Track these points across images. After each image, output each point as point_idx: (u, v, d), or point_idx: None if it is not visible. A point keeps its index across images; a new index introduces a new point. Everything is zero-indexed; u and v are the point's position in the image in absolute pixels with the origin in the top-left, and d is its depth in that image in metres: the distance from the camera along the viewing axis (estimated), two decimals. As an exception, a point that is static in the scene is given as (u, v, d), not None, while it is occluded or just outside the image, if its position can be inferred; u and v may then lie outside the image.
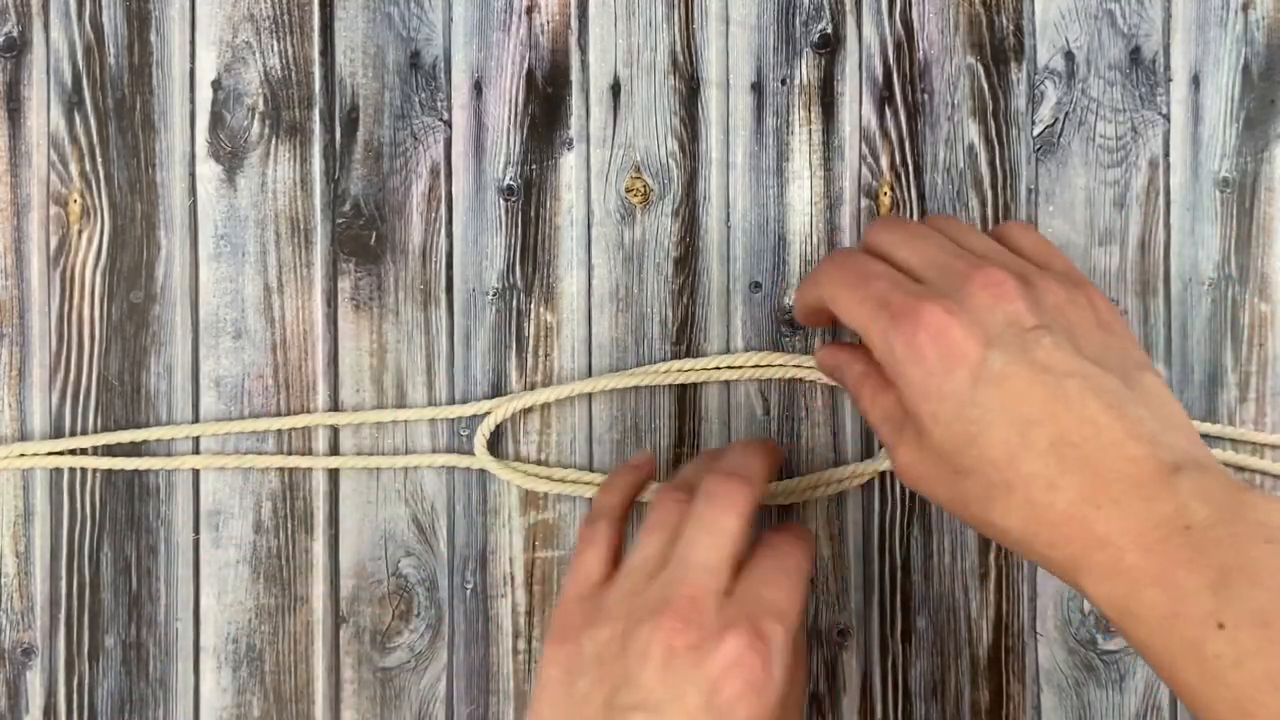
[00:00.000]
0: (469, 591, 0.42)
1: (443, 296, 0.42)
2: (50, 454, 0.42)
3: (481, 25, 0.42)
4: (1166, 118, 0.43)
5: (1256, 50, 0.43)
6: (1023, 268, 0.33)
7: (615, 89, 0.43)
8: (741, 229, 0.43)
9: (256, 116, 0.42)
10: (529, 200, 0.42)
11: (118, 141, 0.42)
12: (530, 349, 0.42)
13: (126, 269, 0.42)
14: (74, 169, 0.42)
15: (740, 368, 0.42)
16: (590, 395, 0.42)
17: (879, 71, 0.43)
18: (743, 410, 0.42)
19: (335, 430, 0.42)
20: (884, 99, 0.43)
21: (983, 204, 0.42)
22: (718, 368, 0.42)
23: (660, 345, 0.42)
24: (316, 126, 0.42)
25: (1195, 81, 0.43)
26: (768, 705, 0.31)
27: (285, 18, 0.42)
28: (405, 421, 0.42)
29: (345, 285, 0.42)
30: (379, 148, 0.42)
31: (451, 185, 0.43)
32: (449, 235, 0.42)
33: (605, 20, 0.43)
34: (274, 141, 0.42)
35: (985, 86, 0.43)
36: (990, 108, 0.43)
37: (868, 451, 0.42)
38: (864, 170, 0.43)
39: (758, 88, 0.43)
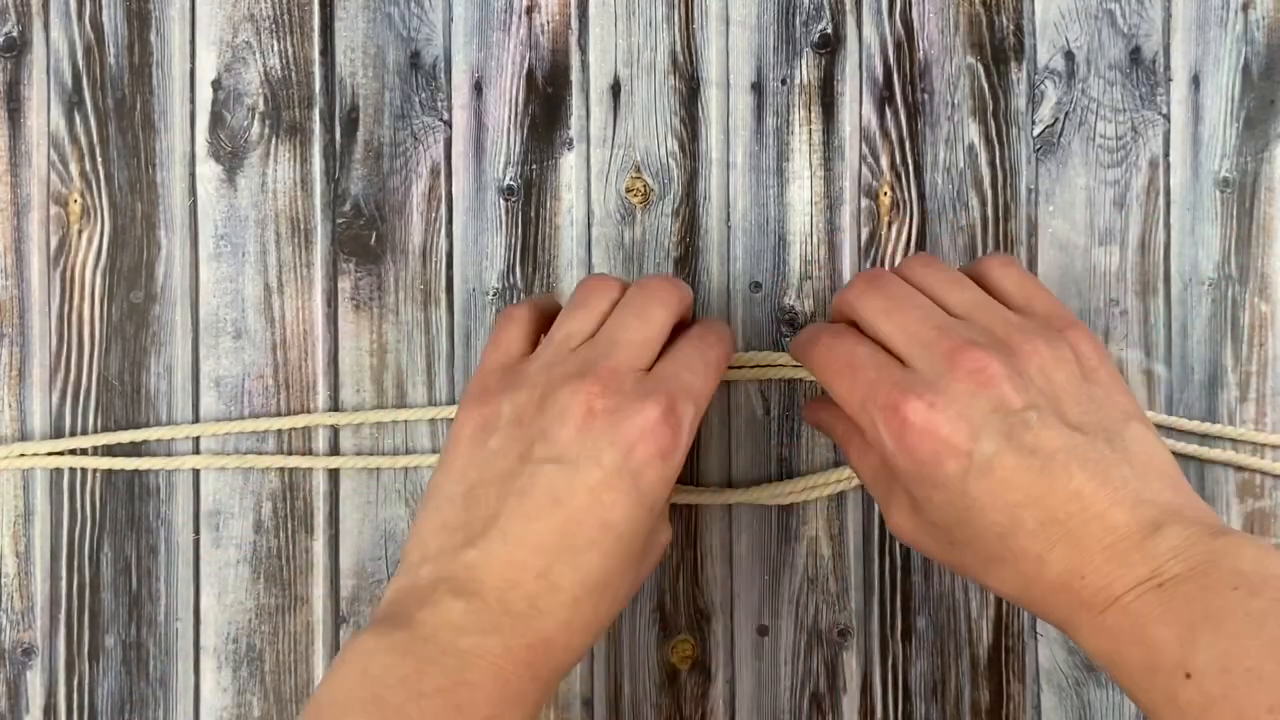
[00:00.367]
0: (469, 591, 0.42)
1: (443, 296, 0.42)
2: (50, 454, 0.42)
3: (481, 25, 0.42)
4: (1166, 118, 0.43)
5: (1256, 50, 0.43)
6: (1006, 332, 0.33)
7: (615, 89, 0.43)
8: (741, 229, 0.43)
9: (256, 116, 0.42)
10: (529, 200, 0.42)
11: (118, 141, 0.42)
12: (530, 349, 0.42)
13: (126, 269, 0.42)
14: (74, 169, 0.42)
15: (740, 368, 0.42)
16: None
17: (879, 71, 0.43)
18: (743, 410, 0.42)
19: (335, 430, 0.42)
20: (884, 99, 0.43)
21: (983, 204, 0.42)
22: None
23: (660, 345, 0.42)
24: (316, 126, 0.42)
25: (1195, 81, 0.43)
26: (670, 477, 0.33)
27: (285, 18, 0.42)
28: (405, 421, 0.42)
29: (345, 285, 0.42)
30: (379, 148, 0.42)
31: (451, 185, 0.43)
32: (449, 235, 0.42)
33: (605, 20, 0.43)
34: (274, 141, 0.42)
35: (985, 86, 0.43)
36: (990, 108, 0.43)
37: (868, 451, 0.42)
38: (864, 170, 0.43)
39: (758, 88, 0.43)
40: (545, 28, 0.43)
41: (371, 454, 0.42)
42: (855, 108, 0.43)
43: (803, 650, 0.42)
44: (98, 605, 0.42)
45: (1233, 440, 0.42)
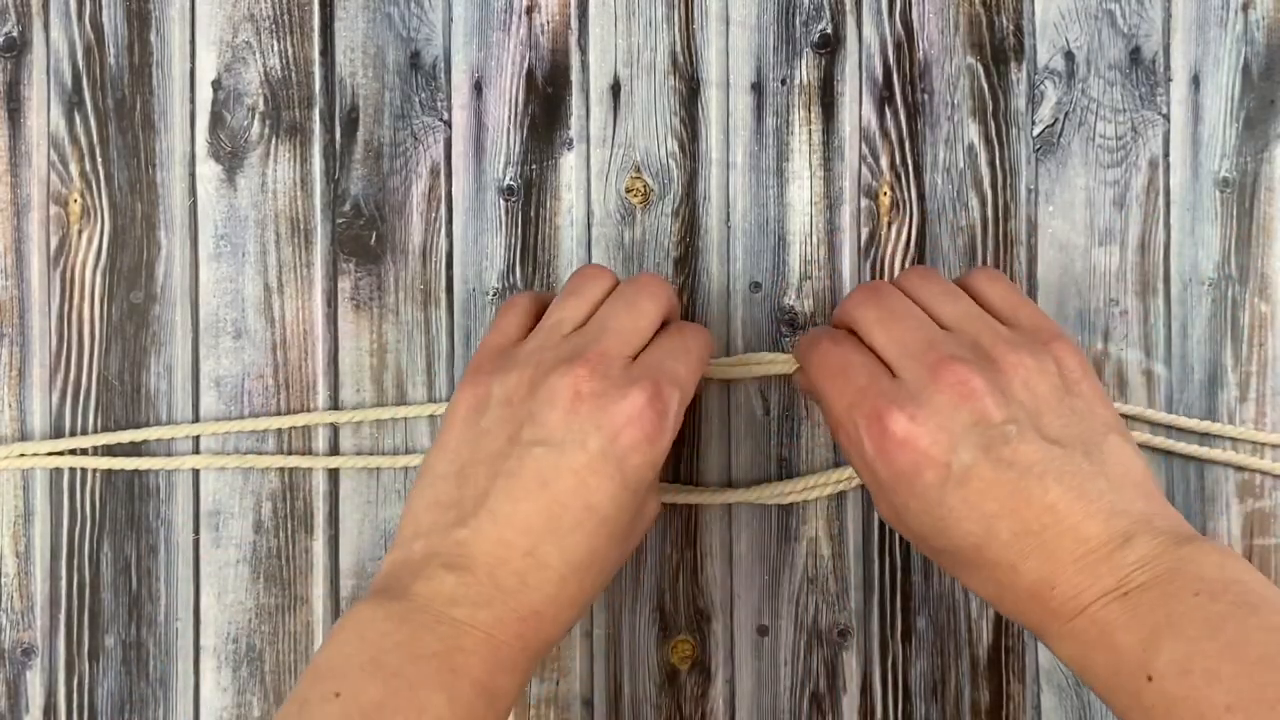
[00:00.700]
0: (469, 591, 0.42)
1: (443, 296, 0.42)
2: (50, 454, 0.42)
3: (481, 25, 0.42)
4: (1166, 118, 0.43)
5: (1256, 50, 0.43)
6: (992, 344, 0.34)
7: (615, 89, 0.43)
8: (741, 229, 0.43)
9: (256, 116, 0.42)
10: (529, 200, 0.42)
11: (118, 141, 0.42)
12: (530, 349, 0.42)
13: (126, 269, 0.42)
14: (74, 169, 0.42)
15: (741, 367, 0.42)
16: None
17: (879, 71, 0.43)
18: (743, 410, 0.42)
19: (335, 430, 0.42)
20: (884, 99, 0.43)
21: (982, 204, 0.42)
22: (718, 367, 0.42)
23: (660, 345, 0.42)
24: (316, 126, 0.42)
25: (1195, 81, 0.43)
26: (655, 461, 0.34)
27: (285, 18, 0.42)
28: (405, 420, 0.42)
29: (345, 285, 0.42)
30: (379, 148, 0.42)
31: (451, 185, 0.43)
32: (449, 235, 0.42)
33: (605, 20, 0.43)
34: (274, 141, 0.42)
35: (985, 86, 0.43)
36: (990, 108, 0.43)
37: (868, 451, 0.42)
38: (864, 170, 0.43)
39: (758, 88, 0.43)
40: (545, 28, 0.43)
41: (371, 454, 0.42)
42: (855, 108, 0.43)
43: (803, 650, 0.42)
44: (98, 605, 0.42)
45: (1233, 440, 0.42)
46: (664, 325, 0.37)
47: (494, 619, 0.32)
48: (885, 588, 0.42)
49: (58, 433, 0.42)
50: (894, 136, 0.42)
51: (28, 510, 0.42)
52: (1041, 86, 0.43)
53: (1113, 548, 0.31)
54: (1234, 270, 0.43)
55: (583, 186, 0.43)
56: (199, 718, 0.42)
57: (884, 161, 0.42)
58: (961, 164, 0.42)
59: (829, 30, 0.43)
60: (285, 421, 0.42)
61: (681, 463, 0.42)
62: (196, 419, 0.42)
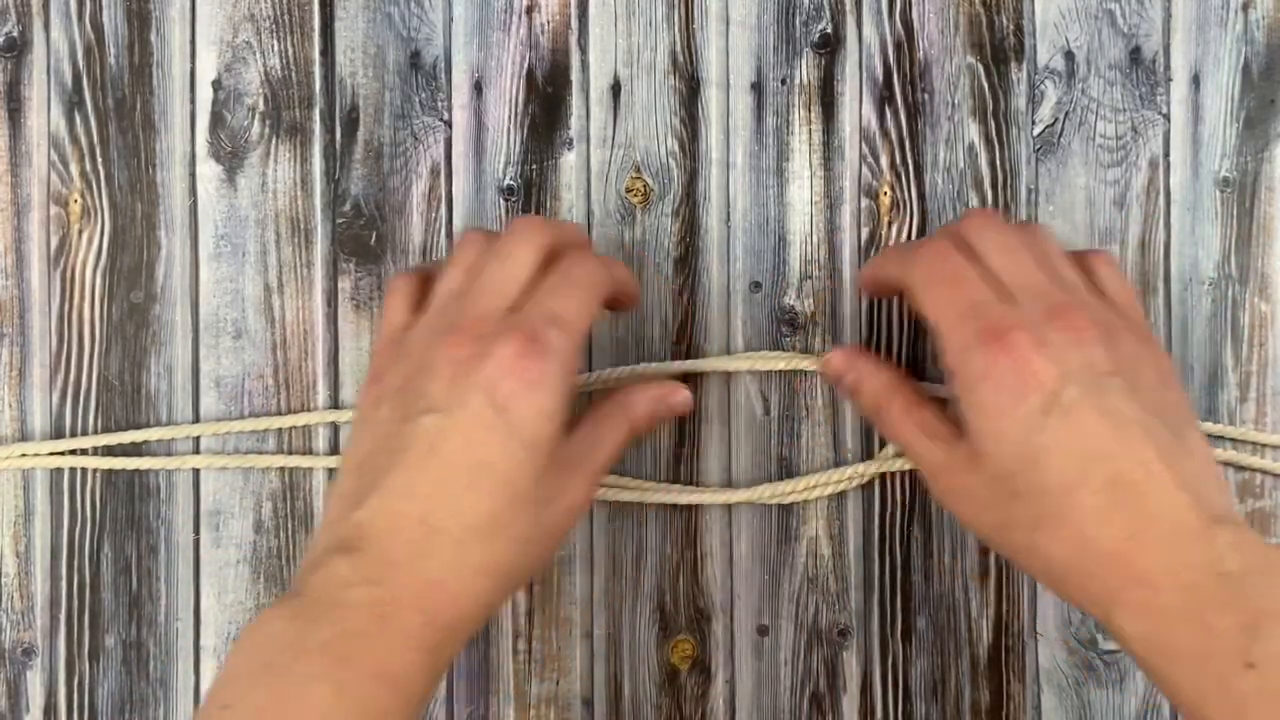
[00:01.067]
0: (469, 591, 0.42)
1: (443, 296, 0.42)
2: (50, 454, 0.42)
3: (481, 25, 0.42)
4: (1166, 117, 0.43)
5: (1256, 50, 0.43)
6: (1106, 316, 0.34)
7: (615, 89, 0.43)
8: (741, 229, 0.43)
9: (257, 116, 0.42)
10: (529, 200, 0.42)
11: (118, 141, 0.42)
12: (530, 349, 0.42)
13: (127, 269, 0.42)
14: (74, 169, 0.42)
15: (740, 366, 0.42)
16: (590, 394, 0.42)
17: (879, 71, 0.43)
18: (743, 410, 0.42)
19: (335, 430, 0.42)
20: (884, 99, 0.43)
21: (983, 204, 0.42)
22: (718, 366, 0.42)
23: (660, 345, 0.42)
24: (316, 126, 0.42)
25: (1195, 81, 0.43)
26: (545, 408, 0.33)
27: (285, 18, 0.42)
28: (405, 421, 0.42)
29: (345, 285, 0.42)
30: (379, 148, 0.42)
31: (451, 185, 0.43)
32: (449, 235, 0.42)
33: (605, 20, 0.43)
34: (274, 141, 0.42)
35: (985, 86, 0.43)
36: (990, 107, 0.43)
37: (868, 452, 0.42)
38: (864, 170, 0.43)
39: (758, 88, 0.43)
40: (545, 28, 0.43)
41: (371, 454, 0.42)
42: (855, 108, 0.43)
43: (803, 650, 0.42)
44: (98, 605, 0.42)
45: (1233, 440, 0.42)
46: (558, 261, 0.36)
47: (389, 596, 0.31)
48: (885, 588, 0.42)
49: (58, 433, 0.42)
50: (894, 136, 0.42)
51: (28, 510, 0.42)
52: (1041, 86, 0.43)
53: (1206, 523, 0.30)
54: (1234, 270, 0.43)
55: (583, 186, 0.43)
56: (199, 718, 0.42)
57: (884, 161, 0.42)
58: (962, 164, 0.42)
59: (829, 30, 0.43)
60: (285, 421, 0.42)
61: (681, 463, 0.42)
62: (197, 419, 0.42)
